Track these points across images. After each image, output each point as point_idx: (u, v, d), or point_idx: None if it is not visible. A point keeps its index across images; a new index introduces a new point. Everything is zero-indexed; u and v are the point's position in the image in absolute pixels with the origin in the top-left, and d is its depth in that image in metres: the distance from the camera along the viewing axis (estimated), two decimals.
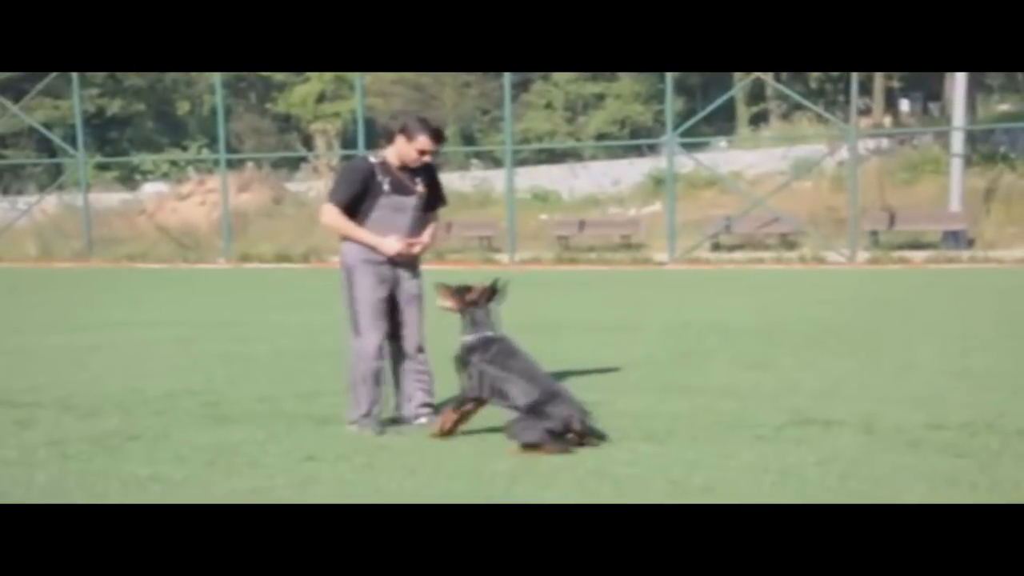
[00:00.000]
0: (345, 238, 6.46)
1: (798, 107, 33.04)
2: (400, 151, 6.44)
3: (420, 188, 6.54)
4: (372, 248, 6.41)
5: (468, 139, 48.44)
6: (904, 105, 40.57)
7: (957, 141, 25.92)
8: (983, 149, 28.58)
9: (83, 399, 7.74)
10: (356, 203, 6.40)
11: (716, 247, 26.27)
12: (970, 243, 24.15)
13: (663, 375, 8.40)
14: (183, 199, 33.54)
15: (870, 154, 29.94)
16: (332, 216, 6.41)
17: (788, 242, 25.69)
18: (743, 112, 43.67)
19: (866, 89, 36.04)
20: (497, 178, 30.91)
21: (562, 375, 8.25)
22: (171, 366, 9.38)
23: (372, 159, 6.57)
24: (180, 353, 10.26)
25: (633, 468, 5.46)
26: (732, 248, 26.22)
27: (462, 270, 23.33)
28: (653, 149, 32.96)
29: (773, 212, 25.48)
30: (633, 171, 33.27)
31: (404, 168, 6.46)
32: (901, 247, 24.35)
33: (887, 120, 38.02)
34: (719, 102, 28.02)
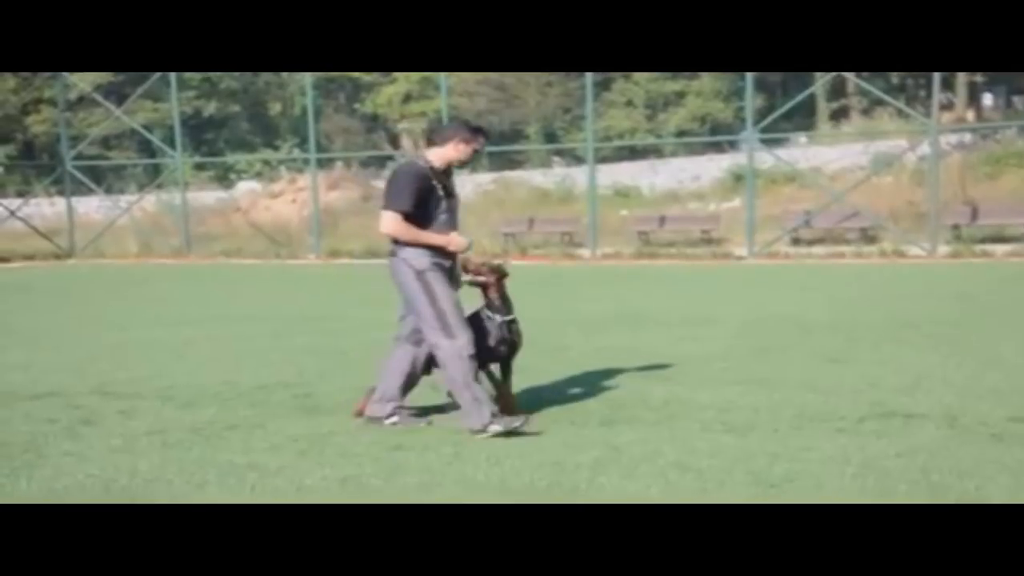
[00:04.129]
0: (409, 244, 6.36)
1: (879, 103, 32.65)
2: (454, 152, 6.50)
3: (456, 190, 6.68)
4: (440, 249, 6.38)
5: (550, 137, 48.57)
6: (987, 99, 39.86)
7: None
8: None
9: (182, 390, 8.03)
10: (417, 209, 6.33)
11: (795, 242, 26.11)
12: None
13: (743, 369, 8.46)
14: (275, 197, 34.23)
15: (952, 149, 29.51)
16: (395, 224, 6.32)
17: (868, 236, 25.46)
18: (823, 108, 43.25)
19: (948, 84, 35.50)
20: (579, 175, 31.01)
21: (642, 368, 8.37)
22: (264, 359, 9.64)
23: (421, 163, 6.50)
24: (273, 346, 10.53)
25: (714, 460, 5.56)
26: (812, 243, 26.05)
27: (544, 265, 23.50)
28: (733, 145, 32.80)
29: (853, 207, 25.27)
30: (713, 167, 33.19)
31: (443, 171, 6.52)
32: (983, 241, 24.00)
33: (970, 115, 37.41)
34: (799, 98, 27.83)
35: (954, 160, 28.35)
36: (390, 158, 38.63)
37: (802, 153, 32.33)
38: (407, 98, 50.93)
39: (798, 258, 23.65)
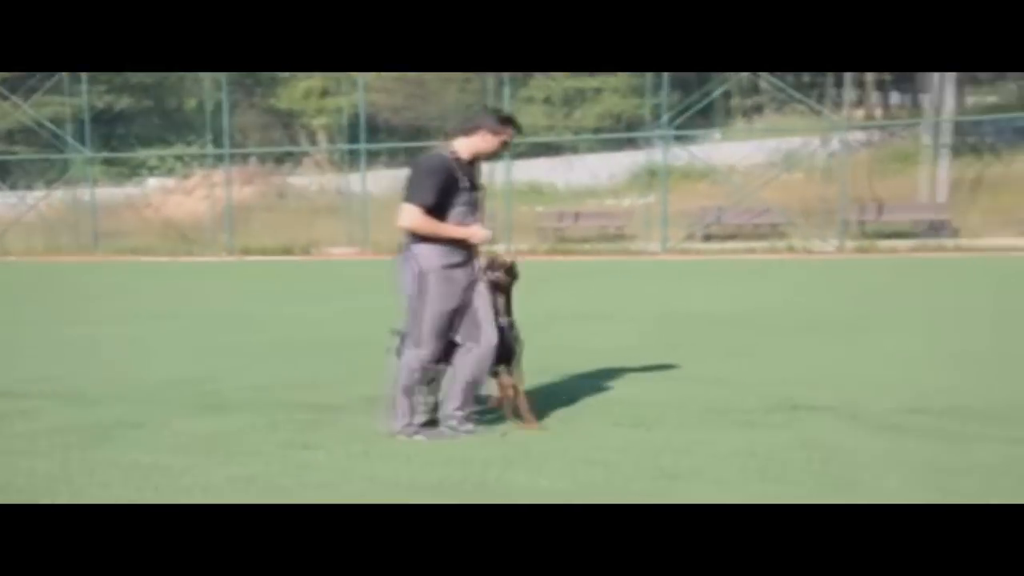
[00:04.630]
0: (425, 239, 6.09)
1: (789, 100, 33.15)
2: (484, 143, 6.24)
3: (482, 181, 6.41)
4: (460, 242, 6.13)
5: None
6: (894, 98, 40.64)
7: (944, 133, 26.16)
8: (970, 140, 28.79)
9: (88, 389, 7.88)
10: (438, 202, 6.06)
11: (708, 238, 26.45)
12: (955, 232, 24.37)
13: (653, 363, 8.54)
14: (187, 194, 33.80)
15: (860, 146, 30.10)
16: (416, 217, 6.04)
17: (778, 232, 25.88)
18: (736, 105, 43.74)
19: (857, 82, 36.13)
20: (495, 171, 31.05)
21: (553, 363, 8.41)
22: (172, 357, 9.52)
23: (445, 153, 6.22)
24: (181, 344, 10.40)
25: (622, 454, 5.61)
26: (723, 239, 26.39)
27: None
28: (648, 142, 33.07)
29: (764, 203, 25.65)
30: (628, 163, 33.42)
31: (469, 162, 6.24)
32: (888, 236, 24.53)
33: (878, 112, 38.14)
34: (712, 96, 28.16)
35: (862, 157, 28.93)
36: (305, 154, 38.36)
37: (715, 150, 32.70)
38: (323, 93, 50.48)
39: (710, 254, 23.94)
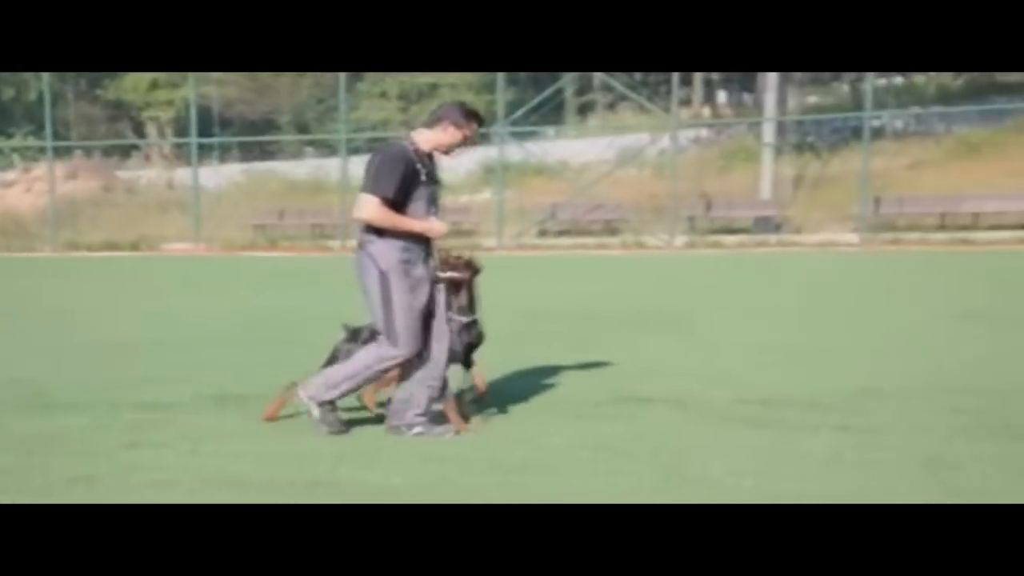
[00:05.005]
0: (381, 233, 5.91)
1: (624, 98, 33.82)
2: (446, 136, 6.10)
3: (439, 175, 6.22)
4: (417, 236, 5.98)
5: (302, 127, 47.96)
6: (721, 96, 41.86)
7: (768, 132, 27.09)
8: (792, 139, 29.87)
9: None
10: (398, 194, 5.88)
11: (543, 234, 26.77)
12: (778, 227, 25.26)
13: (488, 358, 8.60)
14: (7, 187, 32.57)
15: (690, 143, 30.90)
16: (375, 209, 5.84)
17: (612, 228, 26.38)
18: (572, 102, 44.36)
19: (687, 81, 37.07)
20: (332, 166, 30.79)
21: None
22: None
23: (406, 144, 6.05)
24: (2, 342, 10.04)
25: (456, 448, 5.65)
26: (559, 234, 26.75)
27: (296, 256, 23.26)
28: (485, 138, 33.25)
29: (598, 199, 26.11)
30: (465, 159, 33.53)
31: (428, 155, 6.10)
32: (716, 232, 25.26)
33: (706, 111, 39.20)
34: (547, 92, 28.51)
35: (692, 155, 29.71)
36: (134, 147, 37.38)
37: (552, 147, 33.11)
38: (154, 85, 49.26)
39: (546, 249, 24.23)
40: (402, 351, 5.95)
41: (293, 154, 38.62)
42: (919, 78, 34.22)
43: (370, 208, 5.84)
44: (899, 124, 30.25)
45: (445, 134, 6.09)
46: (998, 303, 11.86)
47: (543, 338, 9.77)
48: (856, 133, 26.52)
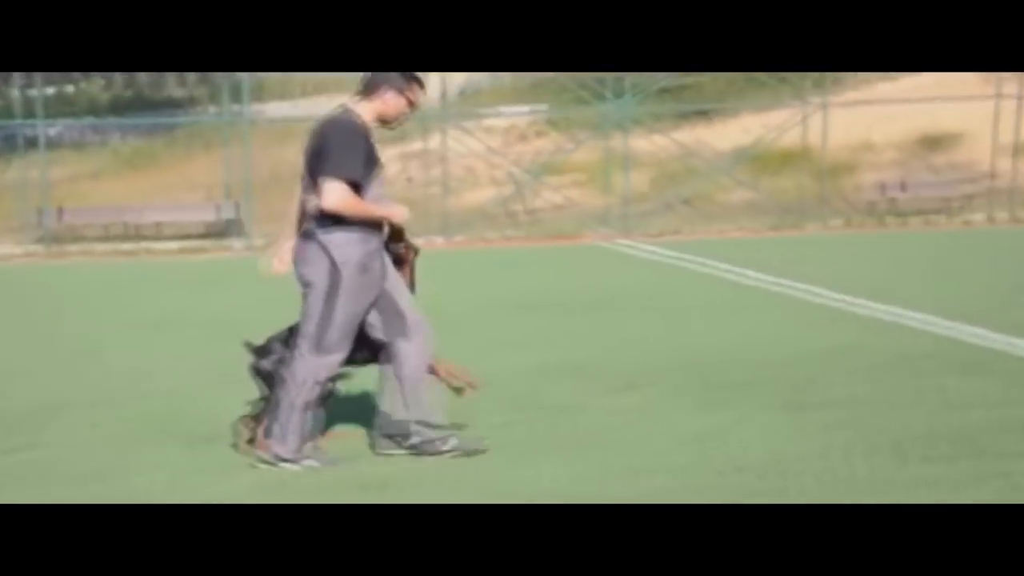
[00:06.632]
0: (342, 224, 5.01)
1: None
2: (388, 106, 5.15)
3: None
4: (376, 225, 5.14)
5: None
6: None
7: None
8: None
9: None
10: (364, 176, 5.05)
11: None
12: None
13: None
14: None
15: None
16: (346, 197, 4.92)
17: None
18: None
19: None
20: None
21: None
22: None
23: (355, 118, 5.10)
24: None
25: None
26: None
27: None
28: None
29: None
30: None
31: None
32: None
33: None
34: None
35: None
36: None
37: None
38: None
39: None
40: (332, 357, 5.13)
41: None
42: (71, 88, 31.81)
43: (340, 196, 4.94)
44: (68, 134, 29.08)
45: (387, 104, 5.15)
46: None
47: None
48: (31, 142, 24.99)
